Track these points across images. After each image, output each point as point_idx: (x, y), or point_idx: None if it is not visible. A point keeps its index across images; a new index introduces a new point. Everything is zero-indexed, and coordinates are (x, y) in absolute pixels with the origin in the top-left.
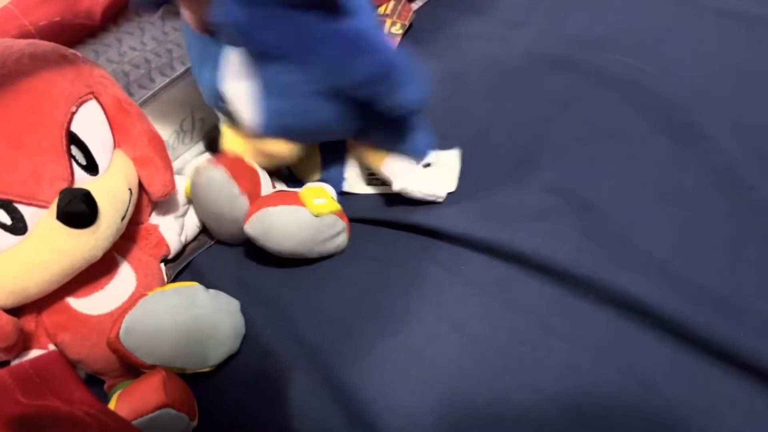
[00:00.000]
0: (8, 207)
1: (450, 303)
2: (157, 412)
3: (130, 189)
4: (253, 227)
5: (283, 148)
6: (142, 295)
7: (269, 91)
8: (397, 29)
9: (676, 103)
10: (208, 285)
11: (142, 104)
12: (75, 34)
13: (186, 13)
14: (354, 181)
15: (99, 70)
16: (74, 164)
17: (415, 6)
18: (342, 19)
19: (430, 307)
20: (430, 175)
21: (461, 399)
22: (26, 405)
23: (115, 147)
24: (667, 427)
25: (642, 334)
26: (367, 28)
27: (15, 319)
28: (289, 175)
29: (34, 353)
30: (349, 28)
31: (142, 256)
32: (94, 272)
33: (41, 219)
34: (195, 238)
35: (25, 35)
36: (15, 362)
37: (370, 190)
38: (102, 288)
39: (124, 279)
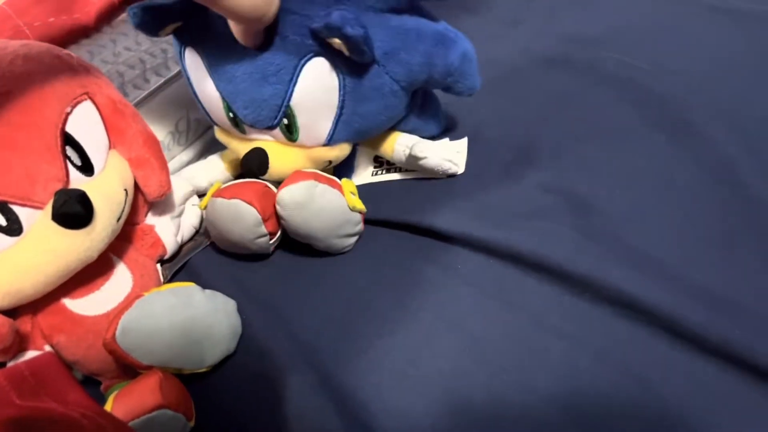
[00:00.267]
0: (3, 208)
1: (447, 302)
2: (154, 413)
3: (125, 189)
4: (292, 195)
5: (345, 151)
6: (139, 296)
7: (356, 96)
8: None
9: (671, 100)
10: (205, 285)
11: (137, 105)
12: (69, 35)
13: (237, 30)
14: (358, 172)
15: (94, 71)
16: (69, 165)
17: None
18: (423, 18)
19: (427, 307)
20: (445, 146)
21: (458, 398)
22: (22, 407)
23: (110, 148)
24: (664, 425)
25: (638, 332)
26: (443, 23)
27: (11, 320)
28: None
29: (30, 355)
30: (434, 23)
31: (138, 256)
32: (90, 273)
33: (36, 220)
34: (191, 239)
35: (19, 36)
36: (10, 364)
37: (374, 179)
38: (98, 289)
39: (120, 280)
